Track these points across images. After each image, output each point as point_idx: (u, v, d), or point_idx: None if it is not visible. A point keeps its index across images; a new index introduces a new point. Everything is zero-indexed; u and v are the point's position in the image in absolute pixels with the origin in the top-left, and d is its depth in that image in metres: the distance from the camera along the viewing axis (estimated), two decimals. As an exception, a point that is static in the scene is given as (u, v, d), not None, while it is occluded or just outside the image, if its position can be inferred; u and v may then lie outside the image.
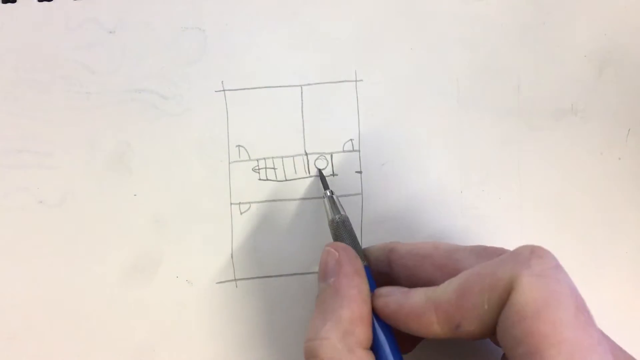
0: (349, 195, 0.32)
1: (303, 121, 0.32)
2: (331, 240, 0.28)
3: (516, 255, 0.21)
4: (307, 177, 0.32)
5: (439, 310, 0.22)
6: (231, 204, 0.31)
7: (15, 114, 0.31)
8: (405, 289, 0.24)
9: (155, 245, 0.31)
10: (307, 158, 0.32)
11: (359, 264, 0.25)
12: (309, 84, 0.32)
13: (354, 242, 0.27)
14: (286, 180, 0.32)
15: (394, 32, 0.32)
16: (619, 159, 0.32)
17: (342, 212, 0.28)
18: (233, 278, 0.31)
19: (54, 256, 0.31)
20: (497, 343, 0.22)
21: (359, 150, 0.32)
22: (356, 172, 0.32)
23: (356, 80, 0.32)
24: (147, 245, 0.31)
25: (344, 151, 0.32)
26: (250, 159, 0.32)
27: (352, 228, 0.28)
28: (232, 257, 0.31)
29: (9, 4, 0.31)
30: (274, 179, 0.32)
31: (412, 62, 0.32)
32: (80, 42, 0.31)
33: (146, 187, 0.31)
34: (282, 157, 0.32)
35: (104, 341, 0.31)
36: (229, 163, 0.32)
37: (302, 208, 0.32)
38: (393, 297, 0.24)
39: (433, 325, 0.22)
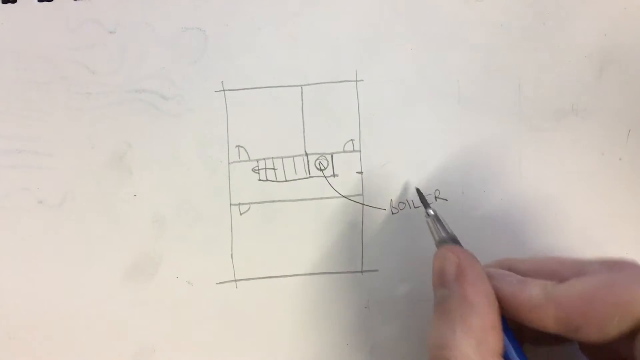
0: (350, 195, 0.32)
1: (303, 121, 0.32)
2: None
3: None
4: (307, 178, 0.32)
5: (559, 308, 0.22)
6: (231, 204, 0.31)
7: (15, 114, 0.31)
8: (519, 277, 0.24)
9: (155, 245, 0.31)
10: (307, 158, 0.32)
11: (481, 268, 0.24)
12: (309, 84, 0.32)
13: None
14: (286, 180, 0.32)
15: (394, 32, 0.32)
16: (620, 159, 0.32)
17: (449, 231, 0.27)
18: (233, 278, 0.31)
19: (54, 256, 0.31)
20: (613, 351, 0.22)
21: (360, 151, 0.32)
22: (357, 172, 0.32)
23: (356, 80, 0.32)
24: (147, 245, 0.31)
25: (344, 151, 0.32)
26: (250, 160, 0.32)
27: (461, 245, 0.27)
28: (232, 257, 0.31)
29: (9, 4, 0.31)
30: (274, 179, 0.32)
31: (412, 62, 0.32)
32: (81, 42, 0.31)
33: (146, 187, 0.31)
34: (282, 158, 0.32)
35: (104, 341, 0.31)
36: (229, 163, 0.32)
37: (302, 208, 0.32)
38: (506, 283, 0.23)
39: (548, 320, 0.22)
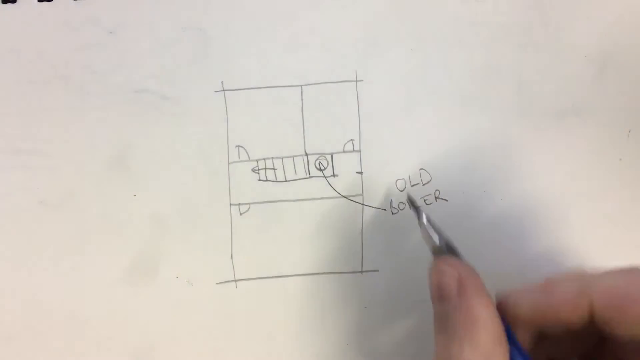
0: (350, 195, 0.32)
1: (303, 121, 0.32)
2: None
3: None
4: (307, 178, 0.32)
5: (599, 296, 0.21)
6: (231, 204, 0.31)
7: (15, 114, 0.31)
8: (534, 285, 0.23)
9: (155, 245, 0.31)
10: (307, 158, 0.32)
11: (481, 281, 0.24)
12: (309, 84, 0.32)
13: None
14: (286, 180, 0.32)
15: (394, 32, 0.32)
16: (620, 159, 0.32)
17: (444, 237, 0.26)
18: (233, 278, 0.31)
19: (54, 256, 0.31)
20: None
21: (360, 151, 0.32)
22: (357, 172, 0.32)
23: (356, 80, 0.32)
24: (147, 245, 0.31)
25: (344, 151, 0.32)
26: (250, 160, 0.32)
27: (458, 252, 0.26)
28: (232, 257, 0.31)
29: (9, 4, 0.31)
30: (274, 179, 0.32)
31: (412, 62, 0.32)
32: (80, 42, 0.31)
33: (146, 187, 0.31)
34: (282, 158, 0.32)
35: (104, 341, 0.31)
36: (229, 163, 0.32)
37: (302, 208, 0.32)
38: (527, 293, 0.23)
39: (583, 313, 0.22)
